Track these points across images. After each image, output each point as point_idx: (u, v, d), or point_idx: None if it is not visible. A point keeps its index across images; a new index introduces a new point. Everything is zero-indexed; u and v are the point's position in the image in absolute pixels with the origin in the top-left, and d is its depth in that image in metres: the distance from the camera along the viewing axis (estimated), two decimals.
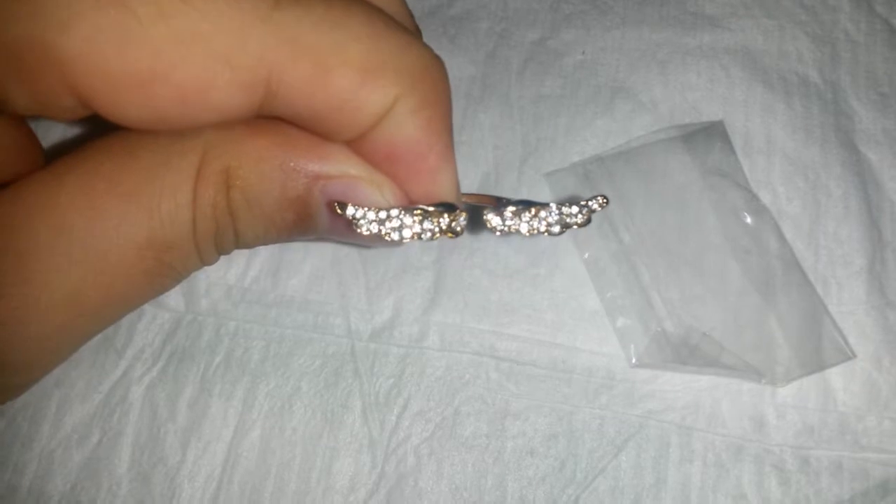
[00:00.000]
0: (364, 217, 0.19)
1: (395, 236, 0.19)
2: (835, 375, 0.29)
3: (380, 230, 0.19)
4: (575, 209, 0.20)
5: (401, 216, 0.19)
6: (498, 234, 0.20)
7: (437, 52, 0.36)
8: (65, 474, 0.30)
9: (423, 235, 0.19)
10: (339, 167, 0.20)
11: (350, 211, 0.19)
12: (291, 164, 0.19)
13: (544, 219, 0.20)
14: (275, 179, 0.19)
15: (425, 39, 0.36)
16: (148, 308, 0.32)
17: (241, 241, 0.21)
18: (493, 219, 0.20)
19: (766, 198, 0.32)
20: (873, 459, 0.28)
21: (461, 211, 0.20)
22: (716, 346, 0.29)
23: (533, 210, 0.20)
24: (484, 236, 0.32)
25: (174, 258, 0.19)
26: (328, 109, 0.18)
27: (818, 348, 0.29)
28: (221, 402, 0.31)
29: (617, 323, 0.31)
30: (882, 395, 0.29)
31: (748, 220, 0.31)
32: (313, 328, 0.32)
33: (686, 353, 0.29)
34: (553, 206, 0.20)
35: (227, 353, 0.31)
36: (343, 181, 0.20)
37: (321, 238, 0.22)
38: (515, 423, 0.30)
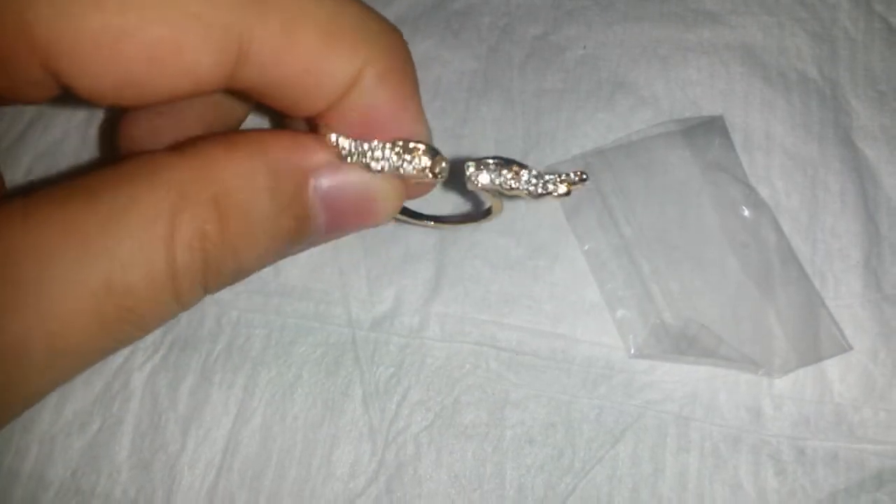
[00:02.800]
0: (351, 152, 0.19)
1: (376, 167, 0.19)
2: (831, 367, 0.30)
3: (364, 161, 0.19)
4: (554, 175, 0.20)
5: (383, 149, 0.19)
6: (478, 187, 0.20)
7: (440, 46, 0.37)
8: (65, 460, 0.30)
9: (402, 168, 0.19)
10: (326, 154, 0.20)
11: (342, 143, 0.19)
12: (278, 166, 0.19)
13: (523, 179, 0.20)
14: (268, 189, 0.18)
15: (428, 33, 0.37)
16: None
17: (244, 267, 0.19)
18: (474, 172, 0.20)
19: (764, 192, 0.32)
20: (869, 450, 0.29)
21: (442, 157, 0.20)
22: (714, 338, 0.30)
23: (514, 167, 0.20)
24: (484, 227, 0.33)
25: (138, 303, 0.18)
26: (297, 74, 0.18)
27: (815, 340, 0.30)
28: (222, 390, 0.31)
29: (616, 314, 0.31)
30: (878, 386, 0.29)
31: (747, 214, 0.32)
32: (314, 317, 0.32)
33: (685, 344, 0.30)
34: (533, 169, 0.20)
35: (229, 341, 0.31)
36: (333, 166, 0.20)
37: (313, 243, 0.21)
38: (515, 413, 0.30)
